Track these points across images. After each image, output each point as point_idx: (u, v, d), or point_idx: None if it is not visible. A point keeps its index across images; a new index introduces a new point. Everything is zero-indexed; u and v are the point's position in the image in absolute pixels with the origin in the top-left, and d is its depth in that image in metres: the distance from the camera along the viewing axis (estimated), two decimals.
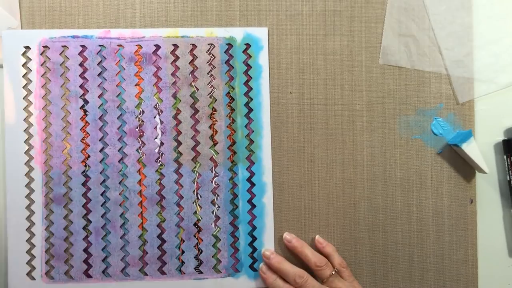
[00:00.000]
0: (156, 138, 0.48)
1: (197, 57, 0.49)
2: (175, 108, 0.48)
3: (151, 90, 0.48)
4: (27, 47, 0.48)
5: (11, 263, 0.47)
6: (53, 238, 0.48)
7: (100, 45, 0.48)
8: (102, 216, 0.48)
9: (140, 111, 0.48)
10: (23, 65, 0.48)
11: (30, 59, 0.48)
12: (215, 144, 0.49)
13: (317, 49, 0.50)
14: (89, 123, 0.48)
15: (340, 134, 0.50)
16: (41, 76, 0.48)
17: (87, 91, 0.48)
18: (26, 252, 0.47)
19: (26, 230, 0.47)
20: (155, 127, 0.48)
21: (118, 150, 0.48)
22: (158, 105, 0.48)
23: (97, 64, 0.48)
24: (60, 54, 0.48)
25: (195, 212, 0.48)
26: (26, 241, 0.47)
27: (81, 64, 0.48)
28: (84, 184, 0.48)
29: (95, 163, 0.48)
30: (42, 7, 0.49)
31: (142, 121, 0.48)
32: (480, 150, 0.50)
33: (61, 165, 0.48)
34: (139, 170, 0.48)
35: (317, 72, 0.50)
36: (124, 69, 0.48)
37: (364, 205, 0.50)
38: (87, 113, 0.48)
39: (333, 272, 0.46)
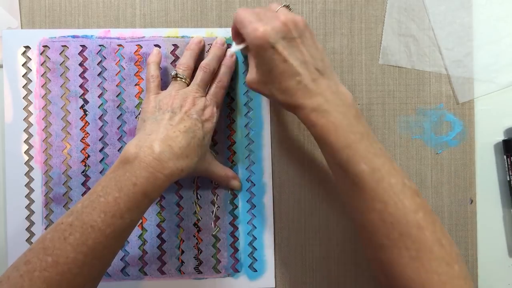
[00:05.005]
0: None
1: None
2: None
3: None
4: (27, 47, 0.48)
5: (11, 263, 0.47)
6: None
7: (100, 45, 0.48)
8: None
9: (140, 111, 0.48)
10: (23, 65, 0.48)
11: (30, 59, 0.48)
12: (215, 144, 0.49)
13: None
14: (89, 123, 0.48)
15: None
16: (41, 76, 0.48)
17: (87, 91, 0.48)
18: None
19: (26, 229, 0.47)
20: None
21: (118, 150, 0.48)
22: None
23: (97, 64, 0.48)
24: (60, 54, 0.48)
25: (195, 212, 0.48)
26: (26, 240, 0.47)
27: (81, 64, 0.48)
28: (84, 183, 0.48)
29: (95, 163, 0.48)
30: (42, 7, 0.49)
31: None
32: (480, 150, 0.50)
33: (61, 165, 0.48)
34: None
35: None
36: (124, 69, 0.48)
37: None
38: (87, 113, 0.48)
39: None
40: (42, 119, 0.48)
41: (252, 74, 0.40)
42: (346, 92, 0.38)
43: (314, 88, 0.37)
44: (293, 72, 0.37)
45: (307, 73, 0.37)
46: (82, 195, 0.48)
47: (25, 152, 0.48)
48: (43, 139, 0.48)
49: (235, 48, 0.44)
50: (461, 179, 0.50)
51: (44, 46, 0.48)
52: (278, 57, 0.37)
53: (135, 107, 0.48)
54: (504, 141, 0.50)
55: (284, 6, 0.41)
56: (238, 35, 0.42)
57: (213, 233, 0.49)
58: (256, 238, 0.49)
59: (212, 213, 0.49)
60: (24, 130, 0.48)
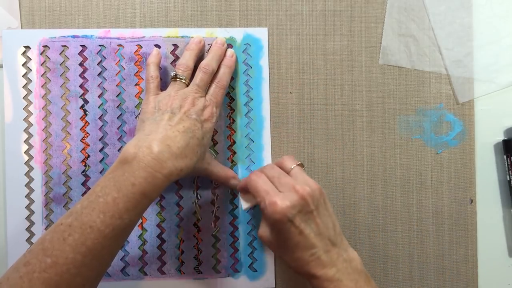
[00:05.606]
0: None
1: None
2: None
3: None
4: (27, 47, 0.48)
5: (11, 263, 0.47)
6: None
7: (100, 45, 0.48)
8: None
9: (140, 112, 0.48)
10: (23, 65, 0.48)
11: (30, 59, 0.48)
12: (215, 144, 0.49)
13: (317, 49, 0.50)
14: (89, 123, 0.48)
15: (340, 134, 0.50)
16: (41, 76, 0.48)
17: (87, 90, 0.48)
18: None
19: (26, 230, 0.47)
20: None
21: (118, 150, 0.48)
22: None
23: (97, 64, 0.48)
24: (60, 54, 0.48)
25: (195, 212, 0.48)
26: (26, 240, 0.47)
27: (81, 64, 0.48)
28: (84, 183, 0.48)
29: (95, 163, 0.48)
30: (42, 7, 0.49)
31: None
32: (480, 150, 0.50)
33: (61, 165, 0.48)
34: None
35: (317, 72, 0.50)
36: (124, 69, 0.48)
37: (364, 205, 0.50)
38: (87, 112, 0.48)
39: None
40: (42, 119, 0.48)
41: (265, 232, 0.40)
42: (356, 258, 0.40)
43: (327, 259, 0.38)
44: (308, 244, 0.38)
45: (321, 245, 0.38)
46: (82, 195, 0.48)
47: (25, 152, 0.48)
48: (43, 139, 0.48)
49: (245, 206, 0.45)
50: (461, 179, 0.50)
51: (44, 46, 0.48)
52: (294, 230, 0.38)
53: (135, 107, 0.48)
54: (504, 141, 0.50)
55: (298, 165, 0.41)
56: (246, 192, 0.44)
57: (213, 233, 0.49)
58: (256, 238, 0.49)
59: (212, 213, 0.49)
60: (24, 130, 0.48)
